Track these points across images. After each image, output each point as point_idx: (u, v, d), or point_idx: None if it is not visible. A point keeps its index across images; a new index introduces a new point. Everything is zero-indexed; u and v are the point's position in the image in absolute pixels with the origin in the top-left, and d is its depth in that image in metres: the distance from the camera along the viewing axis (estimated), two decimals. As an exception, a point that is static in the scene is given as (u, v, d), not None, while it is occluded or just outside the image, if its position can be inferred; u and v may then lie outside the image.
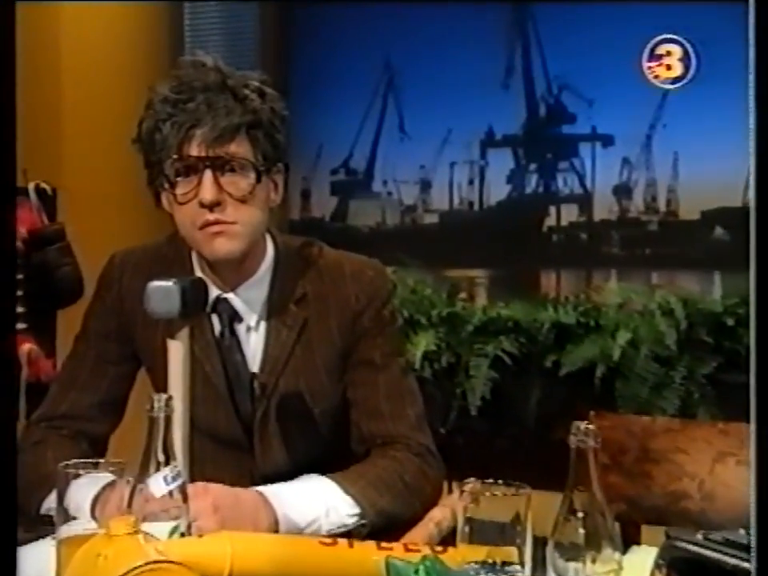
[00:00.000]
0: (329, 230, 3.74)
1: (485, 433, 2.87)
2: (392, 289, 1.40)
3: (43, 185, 2.66)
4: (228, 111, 1.19)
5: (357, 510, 1.22)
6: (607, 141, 3.31)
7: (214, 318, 1.33)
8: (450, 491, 1.40)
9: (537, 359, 2.89)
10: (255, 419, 1.33)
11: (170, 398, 0.92)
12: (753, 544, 0.57)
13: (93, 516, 1.07)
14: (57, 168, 2.99)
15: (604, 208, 3.36)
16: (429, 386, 2.81)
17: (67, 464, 0.96)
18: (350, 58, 3.55)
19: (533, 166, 3.47)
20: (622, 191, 3.33)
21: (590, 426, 0.89)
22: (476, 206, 3.57)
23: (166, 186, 1.21)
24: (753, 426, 0.57)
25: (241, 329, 1.33)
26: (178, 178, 1.21)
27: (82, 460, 0.99)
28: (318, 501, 1.20)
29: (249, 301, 1.32)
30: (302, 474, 1.27)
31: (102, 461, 1.00)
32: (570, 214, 3.43)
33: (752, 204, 0.60)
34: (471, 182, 3.55)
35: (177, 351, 1.07)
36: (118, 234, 2.72)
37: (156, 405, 0.91)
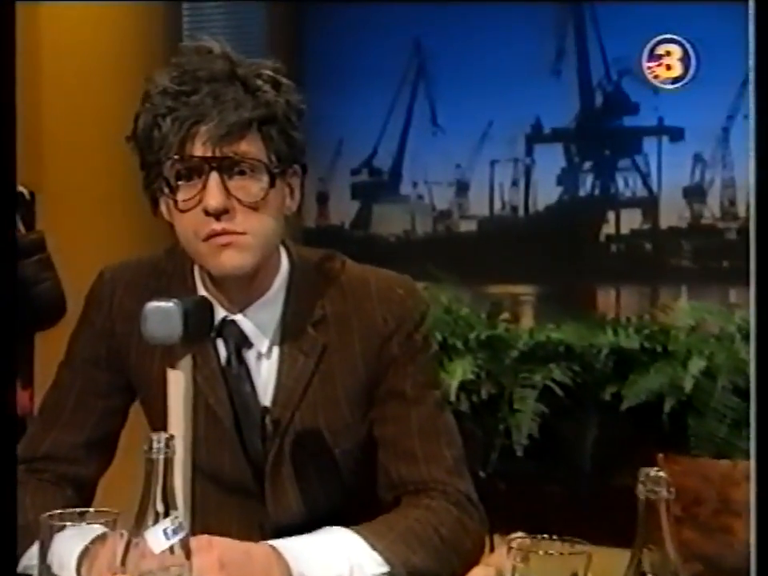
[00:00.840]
0: (349, 240, 3.77)
1: (533, 477, 2.85)
2: (425, 309, 1.40)
3: (20, 188, 2.69)
4: (237, 104, 1.20)
5: (385, 569, 1.21)
6: (676, 134, 3.30)
7: (220, 344, 1.33)
8: (494, 547, 1.39)
9: (593, 391, 2.88)
10: (267, 461, 1.33)
11: (171, 438, 0.93)
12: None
13: (79, 575, 1.08)
14: (36, 169, 3.03)
15: (672, 213, 3.36)
16: (467, 421, 2.80)
17: (50, 514, 0.97)
18: (374, 39, 3.58)
19: (588, 165, 3.47)
20: (694, 193, 3.32)
21: (662, 474, 0.89)
22: (521, 212, 3.58)
23: (166, 190, 1.23)
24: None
25: (250, 356, 1.33)
26: (180, 182, 1.22)
27: (66, 509, 1.00)
28: (339, 557, 1.20)
29: (260, 323, 1.32)
30: (320, 525, 1.26)
31: (90, 510, 1.01)
32: (632, 220, 3.42)
33: (752, 205, 0.62)
34: (515, 184, 3.55)
35: (177, 382, 1.08)
36: (107, 244, 2.75)
37: (155, 445, 0.92)
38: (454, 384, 2.86)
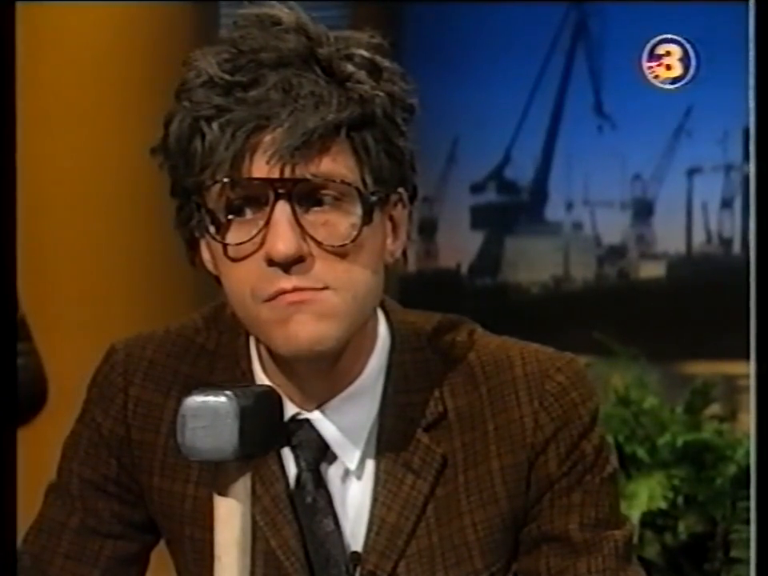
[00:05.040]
0: (468, 292, 3.78)
1: None
2: (597, 405, 1.40)
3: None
4: (318, 101, 1.21)
5: None
6: None
7: (287, 456, 1.36)
8: None
9: None
10: (356, 636, 1.35)
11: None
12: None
13: None
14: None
15: None
16: (658, 576, 2.78)
17: None
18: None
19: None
20: None
21: None
22: (735, 247, 3.54)
23: (211, 229, 1.24)
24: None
25: (333, 474, 1.34)
26: (232, 216, 1.25)
27: None
28: None
29: (347, 426, 1.33)
30: None
31: None
32: None
33: (752, 207, 0.67)
34: (728, 204, 3.53)
35: (229, 517, 1.08)
36: (106, 306, 2.79)
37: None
38: (636, 516, 2.82)
